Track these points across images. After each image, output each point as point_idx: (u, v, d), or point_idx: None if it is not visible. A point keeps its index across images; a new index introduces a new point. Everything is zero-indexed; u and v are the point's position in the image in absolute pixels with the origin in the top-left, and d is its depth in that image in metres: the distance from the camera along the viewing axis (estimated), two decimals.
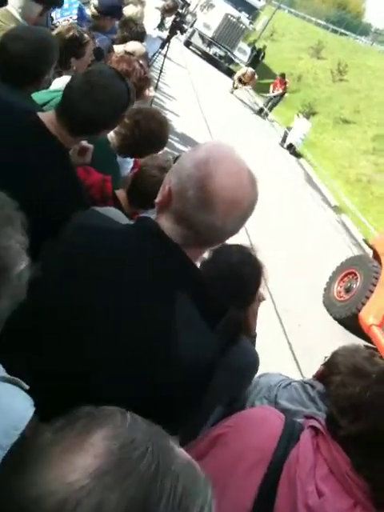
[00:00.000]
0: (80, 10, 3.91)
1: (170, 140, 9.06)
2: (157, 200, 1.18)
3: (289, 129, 14.95)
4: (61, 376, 1.07)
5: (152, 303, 1.11)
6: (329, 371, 1.68)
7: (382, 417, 1.05)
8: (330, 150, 16.18)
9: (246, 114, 16.92)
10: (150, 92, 3.08)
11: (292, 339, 5.49)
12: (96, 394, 1.09)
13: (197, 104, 12.94)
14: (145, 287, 1.12)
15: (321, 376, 1.74)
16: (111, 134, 2.30)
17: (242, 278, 1.68)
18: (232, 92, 17.98)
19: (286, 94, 18.16)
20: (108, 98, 1.69)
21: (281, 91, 17.77)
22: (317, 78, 22.70)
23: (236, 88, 18.01)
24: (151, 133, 2.31)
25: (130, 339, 1.10)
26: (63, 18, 3.79)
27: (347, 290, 6.54)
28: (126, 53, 3.27)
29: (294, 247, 7.84)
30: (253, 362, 1.76)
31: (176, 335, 1.09)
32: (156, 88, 8.67)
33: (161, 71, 9.20)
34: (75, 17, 3.85)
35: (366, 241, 8.11)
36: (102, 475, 0.61)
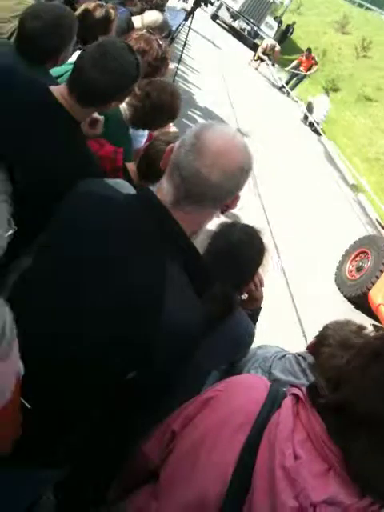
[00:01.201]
0: None
1: (191, 113, 9.06)
2: (161, 163, 1.27)
3: (309, 105, 14.72)
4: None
5: (141, 267, 1.18)
6: (319, 343, 1.75)
7: (356, 389, 1.11)
8: (350, 128, 15.94)
9: (270, 90, 16.68)
10: (169, 65, 3.08)
11: (302, 314, 5.54)
12: (84, 344, 1.19)
13: (220, 78, 12.81)
14: (136, 253, 1.19)
15: (312, 348, 1.81)
16: (123, 106, 2.34)
17: (238, 258, 1.72)
18: (250, 64, 17.66)
19: (314, 68, 17.74)
20: (117, 67, 1.73)
21: (305, 73, 17.36)
22: (341, 54, 22.21)
23: (256, 60, 17.67)
24: (162, 104, 2.35)
25: (117, 298, 1.17)
26: None
27: (358, 269, 6.56)
28: (144, 26, 3.27)
29: (309, 224, 7.84)
30: (247, 334, 1.82)
31: (162, 299, 1.15)
32: (180, 61, 8.61)
33: (185, 44, 9.10)
34: None
35: (379, 221, 8.06)
36: None
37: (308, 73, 17.50)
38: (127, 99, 2.33)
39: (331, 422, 1.13)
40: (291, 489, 1.08)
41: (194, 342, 1.24)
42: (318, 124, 14.45)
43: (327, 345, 1.71)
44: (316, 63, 17.44)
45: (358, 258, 6.76)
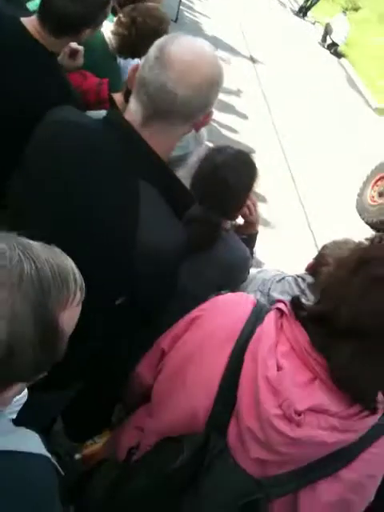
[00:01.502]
0: None
1: None
2: (128, 83, 1.24)
3: (327, 27, 13.99)
4: None
5: (113, 189, 1.17)
6: (318, 263, 1.73)
7: (339, 299, 1.09)
8: (372, 49, 15.14)
9: (285, 15, 15.85)
10: None
11: (319, 241, 5.49)
12: None
13: (229, 3, 12.17)
14: (107, 175, 1.18)
15: (311, 269, 1.79)
16: (109, 36, 2.26)
17: (224, 181, 1.67)
18: None
19: None
20: None
21: None
22: None
23: None
24: (149, 30, 2.26)
25: (91, 222, 1.17)
26: None
27: (380, 195, 6.41)
28: None
29: (330, 150, 7.63)
30: (240, 258, 1.81)
31: (137, 219, 1.14)
32: None
33: None
34: None
35: None
36: None
37: None
38: (112, 28, 2.25)
39: (315, 333, 1.13)
40: (274, 398, 1.09)
41: (173, 262, 1.23)
42: (337, 46, 13.79)
43: (325, 264, 1.69)
44: None
45: (379, 183, 6.58)
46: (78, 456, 1.51)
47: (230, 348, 1.19)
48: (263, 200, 5.54)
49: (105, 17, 1.73)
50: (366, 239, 1.17)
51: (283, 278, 1.86)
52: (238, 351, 1.18)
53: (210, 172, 1.68)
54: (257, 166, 1.78)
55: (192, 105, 1.16)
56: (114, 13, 2.35)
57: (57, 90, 1.65)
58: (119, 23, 2.19)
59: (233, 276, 1.79)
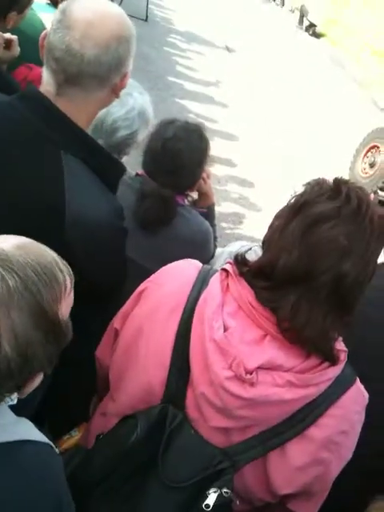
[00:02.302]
0: None
1: (171, 40, 8.62)
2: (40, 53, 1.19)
3: (302, 9, 13.84)
4: None
5: (36, 164, 1.13)
6: None
7: (278, 249, 1.05)
8: (353, 26, 14.94)
9: (261, 4, 15.69)
10: None
11: None
12: None
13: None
14: (28, 150, 1.13)
15: None
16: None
17: (174, 154, 1.63)
18: None
19: None
20: None
21: None
22: None
23: None
24: None
25: (16, 198, 1.12)
26: None
27: (371, 165, 6.30)
28: None
29: (320, 129, 7.56)
30: (200, 232, 1.76)
31: (63, 192, 1.10)
32: None
33: None
34: None
35: None
36: None
37: None
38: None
39: (259, 287, 1.08)
40: (223, 359, 1.05)
41: (109, 234, 1.18)
42: (315, 27, 13.66)
43: None
44: None
45: (369, 154, 6.49)
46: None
47: (178, 316, 1.15)
48: (252, 186, 5.48)
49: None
50: (303, 185, 1.12)
51: (250, 249, 1.79)
52: (186, 318, 1.13)
53: (161, 146, 1.64)
54: (207, 136, 1.74)
55: (102, 64, 1.12)
56: (55, 4, 2.30)
57: None
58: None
59: (196, 251, 1.73)
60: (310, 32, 13.84)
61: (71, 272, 0.90)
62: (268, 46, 10.50)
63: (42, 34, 1.17)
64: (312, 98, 8.85)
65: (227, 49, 9.46)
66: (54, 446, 0.93)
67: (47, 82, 1.14)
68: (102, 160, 1.18)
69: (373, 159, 6.34)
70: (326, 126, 7.88)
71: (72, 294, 0.91)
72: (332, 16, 14.86)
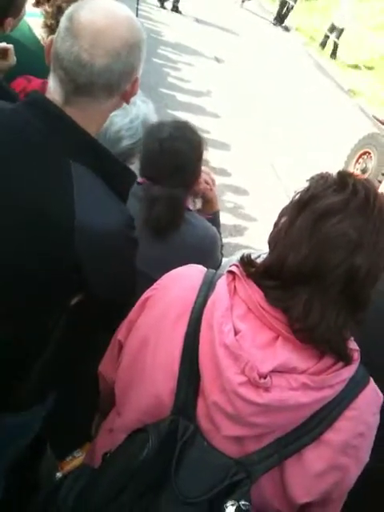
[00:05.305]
0: None
1: (160, 51, 8.71)
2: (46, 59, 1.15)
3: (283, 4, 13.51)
4: None
5: (43, 173, 1.08)
6: None
7: (285, 247, 1.02)
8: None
9: (259, 25, 15.28)
10: None
11: None
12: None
13: (188, 10, 12.08)
14: (34, 158, 1.09)
15: None
16: (40, 32, 2.18)
17: (174, 153, 1.60)
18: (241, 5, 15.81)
19: None
20: None
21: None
22: None
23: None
24: None
25: (21, 209, 1.08)
26: None
27: (363, 171, 6.34)
28: None
29: (312, 136, 7.58)
30: (208, 236, 1.73)
31: (72, 202, 1.06)
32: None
33: None
34: None
35: (375, 116, 7.75)
36: None
37: None
38: (40, 21, 2.16)
39: (267, 287, 1.04)
40: (235, 364, 1.00)
41: (119, 246, 1.15)
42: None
43: None
44: None
45: (361, 160, 6.53)
46: (58, 475, 1.39)
47: (185, 322, 1.10)
48: (246, 193, 5.46)
49: (22, 5, 1.66)
50: (307, 180, 1.08)
51: (259, 256, 1.76)
52: (193, 324, 1.09)
53: (158, 148, 1.61)
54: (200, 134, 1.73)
55: (114, 73, 1.07)
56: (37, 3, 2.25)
57: None
58: (46, 14, 2.12)
59: (204, 257, 1.70)
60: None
61: None
62: (257, 56, 10.56)
63: (48, 40, 1.13)
64: (302, 105, 8.91)
65: (216, 59, 9.51)
66: None
67: (54, 91, 1.09)
68: (112, 168, 1.14)
69: (364, 165, 6.42)
70: (318, 132, 7.91)
71: None
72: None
